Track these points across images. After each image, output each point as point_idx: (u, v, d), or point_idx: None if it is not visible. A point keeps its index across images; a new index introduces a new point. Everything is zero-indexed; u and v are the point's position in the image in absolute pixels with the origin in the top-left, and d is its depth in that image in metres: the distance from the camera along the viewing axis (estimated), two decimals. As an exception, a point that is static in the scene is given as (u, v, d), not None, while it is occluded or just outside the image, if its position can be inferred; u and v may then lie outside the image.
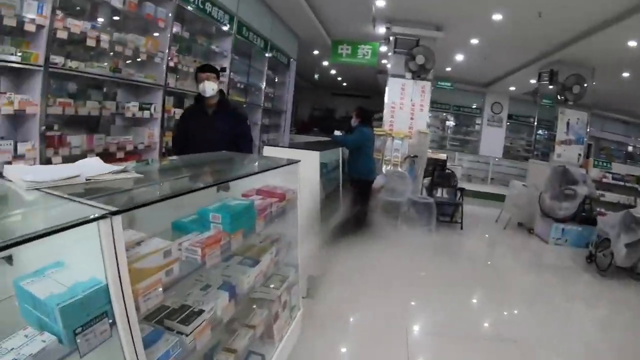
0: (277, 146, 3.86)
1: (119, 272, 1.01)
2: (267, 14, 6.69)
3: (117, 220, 1.00)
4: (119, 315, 1.02)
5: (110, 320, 1.02)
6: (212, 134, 3.02)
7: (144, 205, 1.14)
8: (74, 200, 1.10)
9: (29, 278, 1.04)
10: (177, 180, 1.85)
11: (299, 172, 2.46)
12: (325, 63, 10.80)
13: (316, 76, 11.24)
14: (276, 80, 7.92)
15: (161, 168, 2.21)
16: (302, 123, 15.06)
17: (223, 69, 5.29)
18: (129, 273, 1.04)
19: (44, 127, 2.78)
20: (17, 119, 2.83)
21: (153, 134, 3.93)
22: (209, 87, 3.02)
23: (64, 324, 0.93)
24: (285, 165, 2.36)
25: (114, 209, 1.01)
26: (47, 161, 2.84)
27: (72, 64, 2.97)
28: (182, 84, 4.37)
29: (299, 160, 2.45)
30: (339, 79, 14.60)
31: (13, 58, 2.55)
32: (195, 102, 3.25)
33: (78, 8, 3.19)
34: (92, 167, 1.47)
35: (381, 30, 7.05)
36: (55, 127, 2.95)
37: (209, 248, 1.51)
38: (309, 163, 3.32)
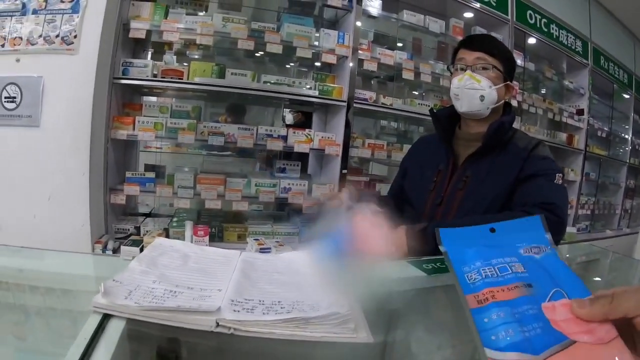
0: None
1: None
2: (625, 38, 4.69)
3: None
4: None
5: None
6: (464, 199, 1.14)
7: None
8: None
9: None
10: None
11: None
12: None
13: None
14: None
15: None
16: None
17: (580, 111, 3.71)
18: None
19: (345, 170, 2.42)
20: (325, 158, 2.59)
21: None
22: (470, 89, 1.13)
23: None
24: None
25: None
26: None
27: (386, 100, 2.55)
28: (528, 129, 3.17)
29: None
30: None
31: (310, 92, 2.30)
32: (435, 123, 1.28)
33: (388, 39, 2.77)
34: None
35: None
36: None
37: None
38: None
